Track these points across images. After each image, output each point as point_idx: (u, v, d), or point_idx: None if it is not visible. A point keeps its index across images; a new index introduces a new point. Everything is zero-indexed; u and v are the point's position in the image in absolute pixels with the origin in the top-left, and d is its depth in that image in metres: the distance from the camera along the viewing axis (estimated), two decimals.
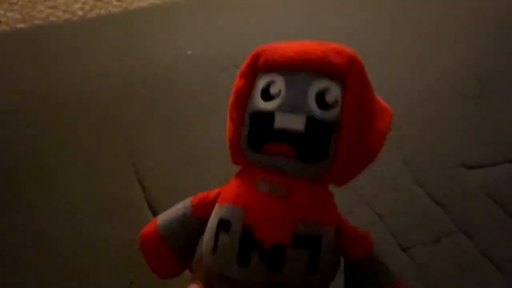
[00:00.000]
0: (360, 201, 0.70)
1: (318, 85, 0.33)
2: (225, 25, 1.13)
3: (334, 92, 0.33)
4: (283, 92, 0.33)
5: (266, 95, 0.34)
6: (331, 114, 0.33)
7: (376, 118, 0.35)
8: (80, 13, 1.26)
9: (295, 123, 0.32)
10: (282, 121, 0.33)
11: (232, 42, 1.04)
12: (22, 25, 1.21)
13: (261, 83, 0.35)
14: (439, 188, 0.75)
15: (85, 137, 0.81)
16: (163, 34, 1.08)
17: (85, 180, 0.73)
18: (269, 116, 0.33)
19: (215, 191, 0.37)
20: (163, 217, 0.40)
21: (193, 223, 0.38)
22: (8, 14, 1.28)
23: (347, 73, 0.33)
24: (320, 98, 0.33)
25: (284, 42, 0.35)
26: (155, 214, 0.67)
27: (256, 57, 0.36)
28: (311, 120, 0.32)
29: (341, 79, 0.33)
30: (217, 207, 0.36)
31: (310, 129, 0.32)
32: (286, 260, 0.31)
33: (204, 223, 0.36)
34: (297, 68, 0.34)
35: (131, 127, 0.84)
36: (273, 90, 0.34)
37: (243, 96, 0.36)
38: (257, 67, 0.36)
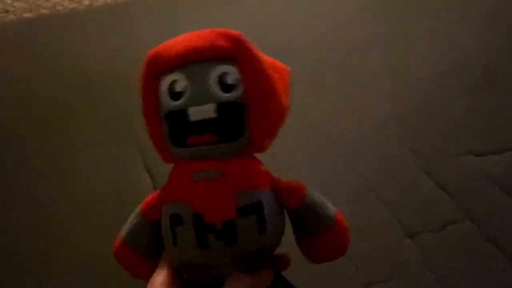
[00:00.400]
0: (367, 189, 0.70)
1: (216, 71, 0.34)
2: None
3: (232, 74, 0.34)
4: (188, 87, 0.35)
5: (174, 94, 0.35)
6: (236, 94, 0.34)
7: (276, 83, 0.36)
8: (86, 2, 1.27)
9: (207, 112, 0.34)
10: (195, 115, 0.34)
11: None
12: (29, 15, 1.21)
13: (164, 84, 0.36)
14: (446, 175, 0.75)
15: (91, 126, 0.82)
16: (172, 22, 1.08)
17: (93, 170, 0.74)
18: (182, 113, 0.35)
19: (157, 192, 0.39)
20: (125, 231, 0.43)
21: (150, 228, 0.39)
22: (15, 3, 1.28)
23: (236, 53, 0.34)
24: (222, 82, 0.34)
25: (173, 38, 0.36)
26: None
27: (151, 61, 0.38)
28: (220, 105, 0.34)
29: (233, 60, 0.35)
30: (164, 207, 0.37)
31: (222, 113, 0.34)
32: (237, 232, 0.34)
33: (159, 223, 0.38)
34: (190, 62, 0.35)
35: (137, 116, 0.84)
36: (178, 88, 0.35)
37: (151, 101, 0.38)
38: (156, 70, 0.37)
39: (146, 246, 0.41)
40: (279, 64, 0.39)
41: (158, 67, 0.37)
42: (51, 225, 0.65)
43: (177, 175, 0.38)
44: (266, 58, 0.36)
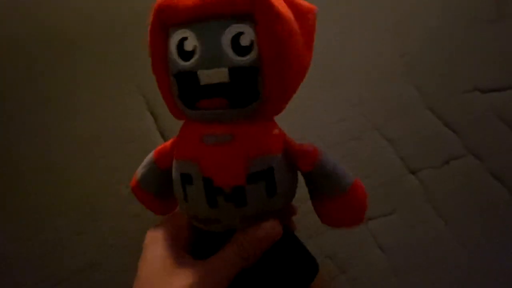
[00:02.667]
0: (371, 127, 0.70)
1: (230, 31, 0.32)
2: None
3: (247, 35, 0.32)
4: (198, 48, 0.33)
5: (183, 53, 0.34)
6: (251, 58, 0.32)
7: (297, 43, 0.33)
8: None
9: (219, 76, 0.32)
10: (205, 78, 0.33)
11: None
12: None
13: (173, 41, 0.34)
14: (451, 112, 0.74)
15: (92, 67, 0.81)
16: None
17: (95, 110, 0.73)
18: (192, 75, 0.33)
19: (170, 141, 0.39)
20: (139, 173, 0.43)
21: (161, 174, 0.40)
22: None
23: (253, 10, 0.31)
24: (236, 44, 0.32)
25: None
26: None
27: (159, 12, 0.35)
28: (232, 70, 0.32)
29: (250, 18, 0.32)
30: (175, 162, 0.38)
31: (234, 78, 0.32)
32: (247, 196, 0.34)
33: (171, 171, 0.39)
34: (203, 19, 0.32)
35: (138, 58, 0.83)
36: (187, 47, 0.33)
37: (159, 57, 0.36)
38: (164, 23, 0.35)
39: (159, 190, 0.42)
40: (304, 7, 0.36)
41: (166, 20, 0.35)
42: (54, 168, 0.66)
43: (187, 134, 0.37)
44: (288, 7, 0.33)
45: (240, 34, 0.32)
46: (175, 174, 0.38)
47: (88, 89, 0.77)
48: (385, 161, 0.66)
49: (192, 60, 0.33)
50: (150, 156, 0.43)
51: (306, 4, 0.37)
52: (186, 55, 0.34)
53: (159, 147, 0.42)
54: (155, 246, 0.37)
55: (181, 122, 0.70)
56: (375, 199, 0.61)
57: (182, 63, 0.34)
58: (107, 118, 0.72)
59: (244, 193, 0.35)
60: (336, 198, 0.37)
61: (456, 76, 0.80)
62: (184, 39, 0.33)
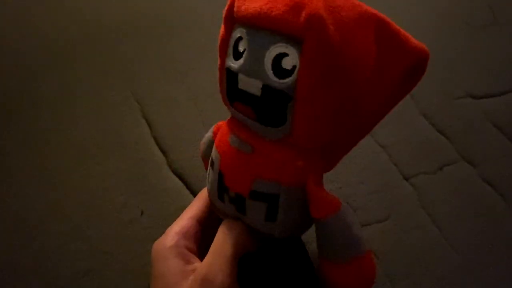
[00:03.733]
0: None
1: (276, 49, 0.30)
2: None
3: (291, 59, 0.30)
4: (246, 52, 0.32)
5: (236, 52, 0.33)
6: (287, 82, 0.30)
7: (354, 84, 0.31)
8: None
9: (252, 87, 0.32)
10: (243, 83, 0.32)
11: None
12: None
13: (234, 36, 0.34)
14: (445, 118, 0.74)
15: (88, 74, 0.81)
16: None
17: (90, 117, 0.73)
18: (235, 75, 0.33)
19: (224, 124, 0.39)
20: (202, 144, 0.45)
21: None
22: None
23: (303, 36, 0.29)
24: (277, 63, 0.30)
25: None
26: (162, 150, 0.68)
27: (232, 3, 0.34)
28: (265, 88, 0.31)
29: (299, 41, 0.29)
30: (214, 146, 0.38)
31: (265, 96, 0.31)
32: (246, 208, 0.35)
33: None
34: (258, 26, 0.31)
35: (133, 64, 0.83)
36: (240, 47, 0.33)
37: (224, 45, 0.36)
38: (233, 16, 0.34)
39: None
40: (407, 44, 0.33)
41: (234, 15, 0.34)
42: (49, 175, 0.66)
43: (225, 127, 0.38)
44: (356, 30, 0.30)
45: (284, 55, 0.30)
46: (211, 155, 0.39)
47: (83, 95, 0.77)
48: (379, 167, 0.66)
49: (239, 62, 0.33)
50: (211, 129, 0.43)
51: (413, 42, 0.33)
52: (237, 54, 0.33)
53: (218, 123, 0.42)
54: (162, 263, 0.36)
55: (175, 129, 0.70)
56: (369, 206, 0.61)
57: (232, 61, 0.34)
58: (101, 125, 0.72)
59: (244, 204, 0.35)
60: (335, 264, 0.35)
61: (449, 82, 0.81)
62: (240, 38, 0.33)
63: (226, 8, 0.35)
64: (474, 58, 0.86)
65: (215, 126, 0.42)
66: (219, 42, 0.36)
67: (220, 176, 0.36)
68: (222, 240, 0.35)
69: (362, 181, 0.64)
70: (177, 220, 0.39)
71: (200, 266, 0.34)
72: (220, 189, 0.36)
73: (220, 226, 0.37)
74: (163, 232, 0.40)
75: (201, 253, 0.37)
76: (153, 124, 0.72)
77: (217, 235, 0.36)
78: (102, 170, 0.66)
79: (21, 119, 0.73)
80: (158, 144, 0.69)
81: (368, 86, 0.32)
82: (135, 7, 0.95)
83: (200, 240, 0.39)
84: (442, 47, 0.87)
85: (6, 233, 0.59)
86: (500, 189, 0.65)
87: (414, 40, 0.34)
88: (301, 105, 0.30)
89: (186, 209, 0.41)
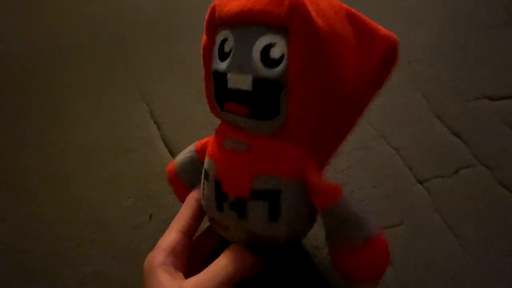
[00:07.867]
0: (377, 136, 0.69)
1: (262, 40, 0.31)
2: None
3: (278, 47, 0.31)
4: (233, 51, 0.33)
5: (222, 54, 0.34)
6: (277, 72, 0.31)
7: (340, 67, 0.31)
8: None
9: (243, 83, 0.32)
10: (233, 82, 0.33)
11: None
12: None
13: (218, 40, 0.35)
14: (460, 121, 0.73)
15: (96, 75, 0.81)
16: None
17: (98, 119, 0.73)
18: (223, 76, 0.33)
19: (210, 138, 0.40)
20: (179, 158, 0.45)
21: (198, 165, 0.41)
22: None
23: (288, 24, 0.30)
24: (265, 54, 0.31)
25: None
26: (171, 151, 0.67)
27: (212, 11, 0.35)
28: (257, 80, 0.31)
29: (285, 29, 0.30)
30: (206, 156, 0.38)
31: (257, 89, 0.31)
32: (248, 210, 0.34)
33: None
34: (241, 24, 0.32)
35: (140, 66, 0.83)
36: (226, 48, 0.34)
37: (208, 53, 0.37)
38: (214, 22, 0.35)
39: (191, 179, 0.43)
40: (377, 33, 0.34)
41: (216, 19, 0.35)
42: (56, 178, 0.65)
43: (216, 134, 0.38)
44: (352, 27, 0.32)
45: (271, 45, 0.31)
46: (204, 168, 0.39)
47: (91, 97, 0.76)
48: (392, 171, 0.65)
49: (226, 62, 0.33)
50: (192, 146, 0.43)
51: (382, 31, 0.35)
52: (223, 56, 0.34)
53: (201, 141, 0.43)
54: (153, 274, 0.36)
55: (184, 131, 0.70)
56: (382, 210, 0.59)
57: (219, 63, 0.34)
58: (110, 127, 0.71)
59: (245, 206, 0.34)
60: (348, 251, 0.35)
61: (464, 83, 0.79)
62: (225, 40, 0.34)
63: (207, 16, 0.36)
64: (490, 59, 0.83)
65: (197, 144, 0.42)
66: (202, 51, 0.37)
67: (217, 184, 0.35)
68: (221, 264, 0.35)
69: (374, 185, 0.63)
70: (165, 234, 0.40)
71: (188, 280, 0.34)
72: (218, 198, 0.36)
73: (224, 251, 0.37)
74: None
75: (190, 266, 0.38)
76: (162, 126, 0.71)
77: (219, 257, 0.36)
78: (109, 172, 0.65)
79: (27, 122, 0.73)
80: (167, 146, 0.68)
81: (352, 68, 0.32)
82: (143, 10, 0.95)
83: (188, 253, 0.39)
84: (456, 47, 0.85)
85: (14, 237, 0.59)
86: None
87: (383, 29, 0.35)
88: (294, 90, 0.31)
89: (175, 218, 0.41)
